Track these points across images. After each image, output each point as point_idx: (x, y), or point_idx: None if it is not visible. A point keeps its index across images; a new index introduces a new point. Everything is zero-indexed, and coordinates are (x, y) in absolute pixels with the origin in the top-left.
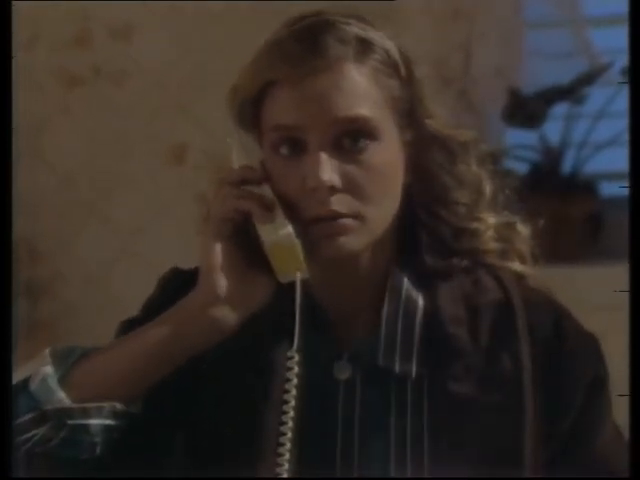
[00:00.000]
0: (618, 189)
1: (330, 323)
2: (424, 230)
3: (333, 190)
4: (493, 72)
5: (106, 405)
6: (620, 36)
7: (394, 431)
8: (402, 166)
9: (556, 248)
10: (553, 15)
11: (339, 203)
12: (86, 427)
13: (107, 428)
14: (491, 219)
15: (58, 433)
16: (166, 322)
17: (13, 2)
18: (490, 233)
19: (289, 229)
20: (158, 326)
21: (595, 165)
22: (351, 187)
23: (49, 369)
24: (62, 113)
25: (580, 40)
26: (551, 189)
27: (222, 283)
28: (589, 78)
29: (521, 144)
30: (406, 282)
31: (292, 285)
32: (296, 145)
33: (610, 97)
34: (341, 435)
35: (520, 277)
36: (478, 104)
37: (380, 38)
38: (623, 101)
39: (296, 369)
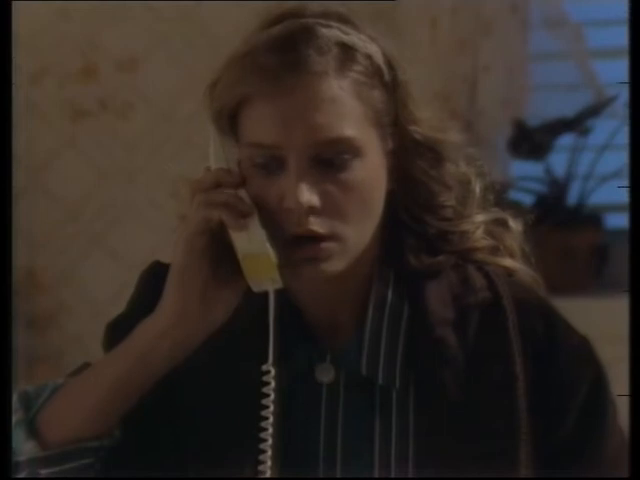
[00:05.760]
0: (623, 221)
1: (312, 326)
2: (409, 233)
3: (312, 210)
4: (498, 104)
5: (80, 446)
6: (625, 69)
7: (378, 436)
8: (384, 177)
9: (561, 279)
10: (558, 47)
11: (318, 224)
12: (63, 472)
13: (85, 466)
14: (480, 217)
15: None
16: (128, 350)
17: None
18: (480, 231)
19: (263, 238)
20: (121, 355)
21: (600, 197)
22: (330, 207)
23: (18, 416)
24: (68, 146)
25: (585, 72)
26: (556, 221)
27: (186, 306)
28: (594, 110)
29: (527, 176)
30: (391, 288)
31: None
32: (274, 161)
33: (615, 129)
34: (324, 440)
35: (510, 273)
36: (484, 136)
37: (363, 42)
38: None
39: (273, 384)
